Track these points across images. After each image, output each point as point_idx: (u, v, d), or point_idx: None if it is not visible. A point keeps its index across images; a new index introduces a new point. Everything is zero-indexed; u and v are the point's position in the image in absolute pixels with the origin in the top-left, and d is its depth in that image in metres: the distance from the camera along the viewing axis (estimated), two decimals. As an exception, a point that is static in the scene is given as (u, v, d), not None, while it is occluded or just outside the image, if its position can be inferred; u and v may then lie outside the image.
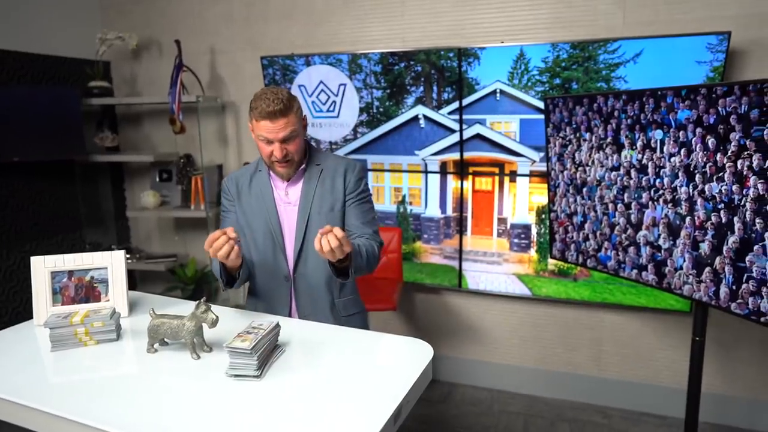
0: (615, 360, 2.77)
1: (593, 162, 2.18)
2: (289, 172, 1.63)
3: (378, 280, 2.82)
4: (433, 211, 2.92)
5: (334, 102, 2.94)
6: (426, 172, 2.88)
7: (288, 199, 1.67)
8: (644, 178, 1.96)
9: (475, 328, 3.02)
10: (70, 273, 1.50)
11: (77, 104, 3.08)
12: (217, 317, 1.25)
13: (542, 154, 2.61)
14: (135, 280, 3.82)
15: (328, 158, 1.72)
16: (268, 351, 1.22)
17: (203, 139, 3.22)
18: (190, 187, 3.23)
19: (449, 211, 2.89)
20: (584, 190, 2.25)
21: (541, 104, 2.54)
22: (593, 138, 2.16)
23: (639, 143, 1.96)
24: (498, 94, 2.63)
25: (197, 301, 1.25)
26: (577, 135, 2.23)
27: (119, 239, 3.70)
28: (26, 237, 3.15)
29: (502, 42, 2.57)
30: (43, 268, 1.47)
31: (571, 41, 2.43)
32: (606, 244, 2.19)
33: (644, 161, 1.95)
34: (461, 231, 2.88)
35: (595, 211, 2.21)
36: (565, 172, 2.33)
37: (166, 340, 1.30)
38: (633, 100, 1.96)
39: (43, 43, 3.16)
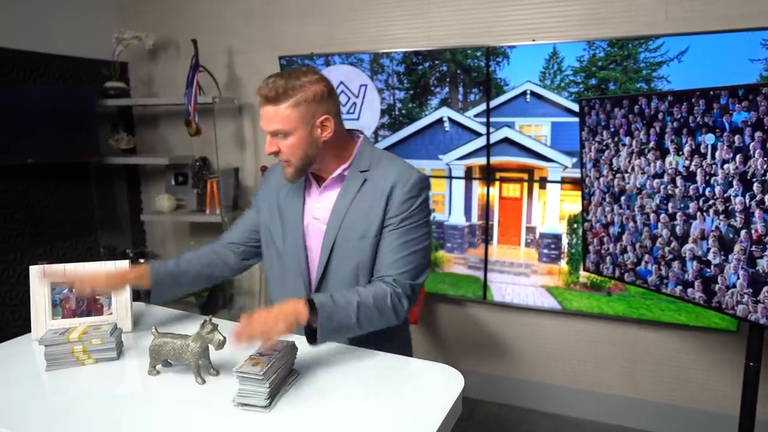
0: (651, 380, 2.58)
1: (633, 168, 2.01)
2: (289, 175, 1.33)
3: (398, 291, 2.68)
4: (457, 218, 2.77)
5: (355, 103, 2.82)
6: (450, 177, 2.74)
7: (317, 213, 1.38)
8: (692, 187, 1.80)
9: (500, 342, 2.86)
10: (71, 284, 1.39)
11: (93, 105, 3.02)
12: (225, 338, 1.12)
13: (575, 160, 2.45)
14: (150, 285, 3.74)
15: (380, 164, 1.35)
16: (281, 377, 1.08)
17: (219, 142, 3.12)
18: (205, 190, 3.14)
19: (474, 219, 2.74)
20: (622, 198, 2.09)
21: (574, 106, 2.39)
22: (634, 143, 1.99)
23: (686, 148, 1.79)
24: (528, 96, 2.48)
25: (203, 321, 1.13)
26: (616, 139, 2.07)
27: (134, 243, 3.63)
28: (40, 240, 3.09)
29: (534, 40, 2.42)
30: (43, 278, 1.37)
31: (608, 38, 2.27)
32: (646, 257, 2.02)
33: (692, 168, 1.78)
34: (487, 240, 2.73)
35: (635, 222, 2.04)
36: (602, 179, 2.17)
37: (169, 361, 1.18)
38: (680, 102, 1.79)
39: (60, 43, 3.10)
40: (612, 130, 2.08)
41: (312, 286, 1.40)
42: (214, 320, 1.15)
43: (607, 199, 2.16)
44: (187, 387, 1.13)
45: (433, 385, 1.13)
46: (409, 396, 1.09)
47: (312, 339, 1.20)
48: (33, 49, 2.96)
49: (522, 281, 2.70)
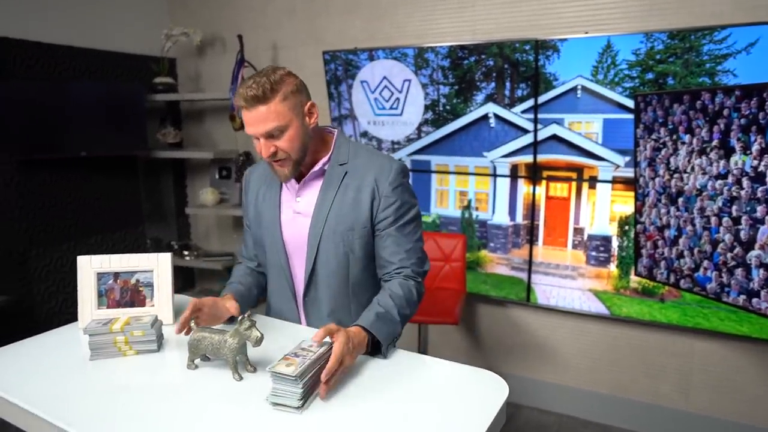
0: (706, 394, 2.43)
1: (693, 168, 1.89)
2: (288, 173, 1.30)
3: (439, 291, 2.63)
4: (501, 217, 2.69)
5: (398, 99, 2.78)
6: (495, 175, 2.66)
7: (298, 207, 1.37)
8: (760, 189, 1.67)
9: (543, 346, 2.76)
10: (116, 275, 1.41)
11: (142, 100, 3.09)
12: (262, 335, 1.10)
13: (628, 159, 2.33)
14: (194, 277, 3.82)
15: (358, 156, 1.36)
16: (315, 378, 1.06)
17: (263, 137, 3.14)
18: (248, 185, 3.16)
19: (519, 219, 2.65)
20: (680, 200, 1.96)
21: (629, 102, 2.26)
22: (694, 141, 1.87)
23: (755, 147, 1.66)
24: (579, 91, 2.37)
25: (241, 317, 1.11)
26: (674, 137, 1.95)
27: (179, 235, 3.71)
28: (91, 231, 3.20)
29: (587, 32, 2.31)
30: (89, 268, 1.40)
31: (668, 30, 2.14)
32: (706, 263, 1.90)
33: (761, 168, 1.66)
34: (531, 240, 2.63)
35: (693, 225, 1.92)
36: (657, 179, 2.05)
37: (207, 355, 1.17)
38: (749, 96, 1.66)
39: (113, 40, 3.19)
40: (670, 127, 1.96)
41: (295, 283, 1.41)
42: (253, 317, 1.14)
43: (663, 201, 2.04)
44: (224, 382, 1.11)
45: (476, 392, 1.07)
46: (450, 402, 1.04)
47: (372, 352, 1.23)
48: (87, 45, 3.06)
49: (568, 284, 2.60)
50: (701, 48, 2.09)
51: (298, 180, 1.38)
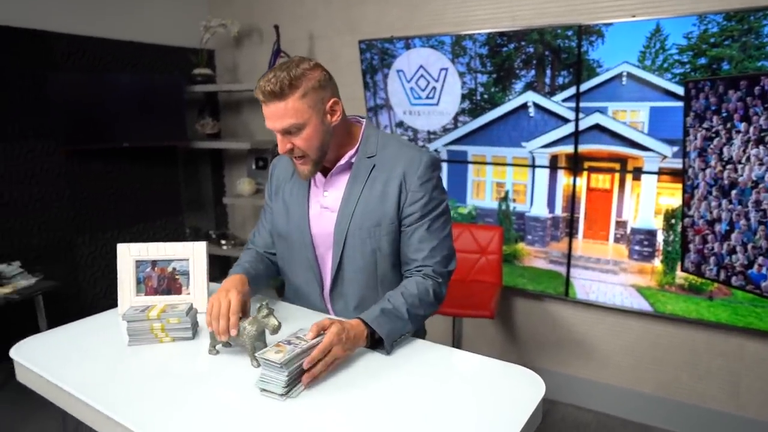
0: (758, 397, 2.31)
1: (749, 159, 1.78)
2: (307, 171, 1.27)
3: (474, 284, 2.59)
4: (540, 209, 2.62)
5: (434, 88, 2.73)
6: (533, 166, 2.58)
7: (325, 201, 1.34)
8: (824, 181, 1.56)
9: (582, 342, 2.68)
10: (154, 263, 1.44)
11: (182, 92, 3.14)
12: (280, 323, 1.11)
13: (677, 149, 2.21)
14: (231, 266, 3.89)
15: (387, 148, 1.31)
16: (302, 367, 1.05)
17: (299, 127, 3.15)
18: (284, 175, 3.18)
19: (558, 211, 2.57)
20: (733, 192, 1.86)
21: (678, 89, 2.15)
22: (751, 129, 1.76)
23: (819, 136, 1.55)
24: (624, 78, 2.27)
25: (259, 304, 1.12)
26: (728, 126, 1.84)
27: (217, 225, 3.78)
28: (133, 219, 3.29)
29: (634, 16, 2.20)
30: (128, 256, 1.43)
31: (724, 11, 2.01)
32: (761, 259, 1.79)
33: (825, 159, 1.55)
34: (571, 233, 2.55)
35: (748, 219, 1.81)
36: (708, 170, 1.95)
37: (229, 341, 1.18)
38: (814, 82, 1.55)
39: (153, 32, 3.26)
40: (724, 115, 1.85)
41: (323, 277, 1.38)
42: (272, 305, 1.14)
43: (714, 193, 1.93)
44: (242, 368, 1.12)
45: (511, 389, 1.03)
46: (484, 398, 1.01)
47: (374, 346, 1.19)
48: (129, 38, 3.13)
49: (609, 279, 2.51)
50: (761, 29, 1.96)
51: (325, 174, 1.35)
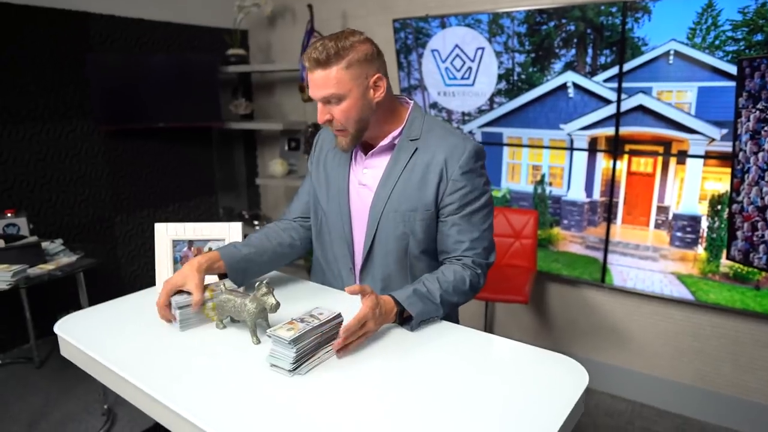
0: (804, 391, 2.23)
1: (806, 142, 1.68)
2: (345, 144, 1.27)
3: (508, 268, 2.54)
4: (577, 193, 2.55)
5: (470, 68, 2.66)
6: (571, 149, 2.51)
7: (364, 179, 1.33)
8: None
9: (618, 330, 2.62)
10: (190, 243, 1.45)
11: (216, 72, 3.16)
12: (278, 303, 1.12)
13: (726, 131, 2.11)
14: (263, 246, 3.94)
15: (432, 132, 1.29)
16: (315, 345, 1.06)
17: (331, 108, 3.14)
18: (316, 156, 3.18)
19: (596, 195, 2.49)
20: (787, 178, 1.76)
21: (730, 68, 2.04)
22: (810, 111, 1.66)
23: None
24: (671, 57, 2.16)
25: (258, 282, 1.12)
26: (785, 107, 1.74)
27: (250, 205, 3.82)
28: (168, 199, 3.35)
29: (684, -10, 2.09)
30: (165, 235, 1.44)
31: (784, -15, 1.88)
32: (815, 249, 1.70)
33: None
34: (609, 218, 2.48)
35: (803, 206, 1.72)
36: (761, 154, 1.85)
37: (235, 317, 1.20)
38: None
39: (187, 12, 3.27)
40: (780, 95, 1.75)
41: (355, 253, 1.36)
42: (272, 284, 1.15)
43: (767, 178, 1.84)
44: (242, 344, 1.14)
45: (553, 378, 1.00)
46: (525, 388, 0.98)
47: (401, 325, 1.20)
48: (164, 19, 3.15)
49: (648, 266, 2.43)
50: (823, 4, 1.83)
51: (366, 151, 1.34)
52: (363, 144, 1.34)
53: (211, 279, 1.32)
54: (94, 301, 1.40)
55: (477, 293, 1.32)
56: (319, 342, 1.08)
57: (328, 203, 1.39)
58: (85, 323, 1.28)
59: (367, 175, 1.33)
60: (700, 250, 2.29)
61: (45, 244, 2.13)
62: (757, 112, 1.82)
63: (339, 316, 1.13)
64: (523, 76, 2.53)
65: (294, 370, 1.02)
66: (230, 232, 1.44)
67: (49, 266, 1.98)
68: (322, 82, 1.19)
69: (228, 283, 1.28)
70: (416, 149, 1.28)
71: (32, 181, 2.71)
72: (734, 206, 1.96)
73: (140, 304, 1.39)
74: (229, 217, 3.59)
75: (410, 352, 1.11)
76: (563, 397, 0.93)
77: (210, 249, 1.45)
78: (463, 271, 1.27)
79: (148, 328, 1.27)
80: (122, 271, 3.16)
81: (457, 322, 1.42)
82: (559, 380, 0.99)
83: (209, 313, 1.23)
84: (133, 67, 2.93)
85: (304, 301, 1.29)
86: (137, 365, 1.07)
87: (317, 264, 1.50)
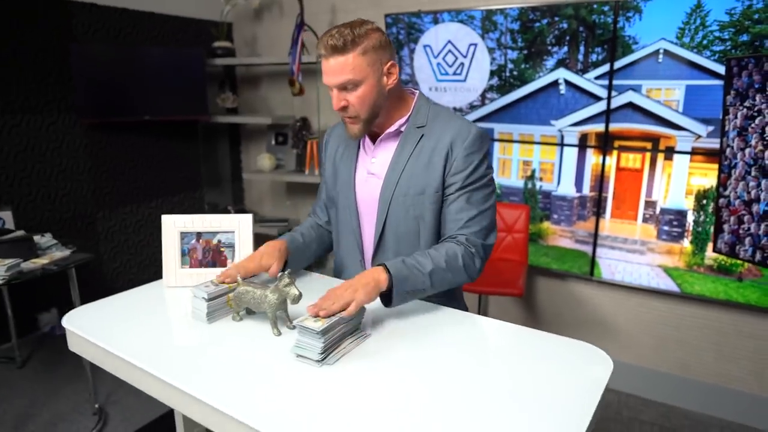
0: (782, 377, 2.33)
1: (793, 138, 1.76)
2: (357, 131, 1.28)
3: (501, 262, 2.58)
4: (567, 188, 2.60)
5: (462, 64, 2.68)
6: (562, 144, 2.56)
7: (372, 167, 1.35)
8: None
9: (605, 323, 2.69)
10: (198, 235, 1.42)
11: (201, 65, 3.10)
12: (300, 293, 1.11)
13: (712, 128, 2.19)
14: (247, 242, 3.88)
15: (437, 119, 1.31)
16: (341, 335, 1.07)
17: (320, 103, 3.11)
18: (305, 151, 3.16)
19: (586, 190, 2.55)
20: (773, 172, 1.84)
21: (717, 67, 2.11)
22: (797, 108, 1.73)
23: None
24: (660, 56, 2.23)
25: (280, 273, 1.12)
26: (772, 104, 1.81)
27: (234, 200, 3.76)
28: (153, 193, 3.27)
29: (674, -9, 2.15)
30: (173, 227, 1.41)
31: (769, -13, 1.96)
32: (800, 240, 1.78)
33: None
34: (598, 213, 2.54)
35: (788, 200, 1.80)
36: (748, 150, 1.92)
37: (251, 309, 1.19)
38: None
39: (172, 3, 3.19)
40: (768, 93, 1.82)
41: (364, 245, 1.38)
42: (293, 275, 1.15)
43: (753, 173, 1.91)
44: (262, 336, 1.13)
45: (577, 366, 1.03)
46: (549, 376, 0.99)
47: (386, 302, 1.20)
48: (149, 9, 3.07)
49: (636, 259, 2.50)
50: (806, 7, 1.92)
51: (374, 141, 1.36)
52: (370, 134, 1.36)
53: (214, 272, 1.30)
54: (85, 298, 1.36)
55: (473, 275, 1.28)
56: (343, 332, 1.09)
57: (337, 195, 1.41)
58: (93, 317, 1.25)
59: (376, 164, 1.35)
60: (686, 244, 2.36)
61: (36, 238, 2.05)
62: (745, 109, 1.90)
63: (362, 308, 1.13)
64: (515, 73, 2.57)
65: (322, 360, 1.02)
66: (240, 224, 1.42)
67: (42, 260, 1.91)
68: (339, 68, 1.20)
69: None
70: (422, 135, 1.30)
71: (11, 174, 2.60)
72: (721, 200, 2.04)
73: (148, 297, 1.36)
74: (214, 211, 3.53)
75: (434, 341, 1.12)
76: (591, 385, 0.95)
77: (219, 241, 1.43)
78: (457, 247, 1.25)
79: (160, 320, 1.25)
80: (104, 268, 3.07)
81: (465, 309, 1.44)
82: (585, 368, 1.01)
83: (233, 304, 1.21)
84: (117, 58, 2.85)
85: (316, 294, 1.28)
86: (155, 357, 1.05)
87: (336, 263, 1.51)
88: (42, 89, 2.66)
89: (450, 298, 1.36)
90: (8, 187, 2.59)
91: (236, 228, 1.42)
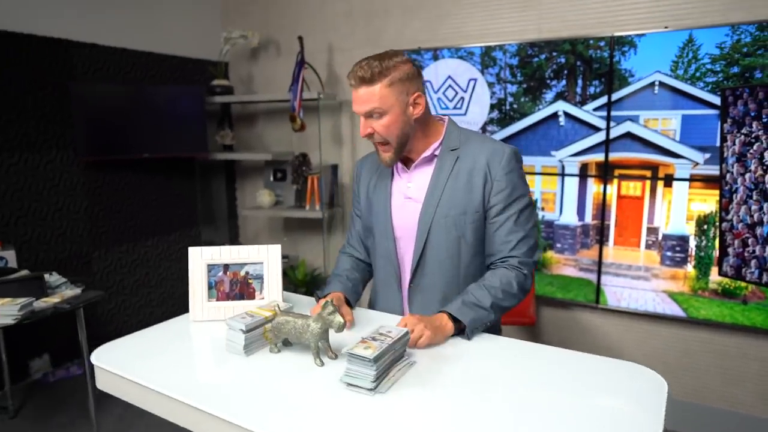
0: (792, 399, 2.35)
1: (792, 162, 1.84)
2: (389, 159, 1.32)
3: (509, 291, 2.58)
4: (569, 217, 2.64)
5: (462, 98, 2.75)
6: (563, 174, 2.61)
7: (409, 192, 1.37)
8: None
9: (612, 349, 2.69)
10: (226, 267, 1.40)
11: (201, 102, 3.11)
12: (345, 321, 1.10)
13: (708, 156, 2.27)
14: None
15: (470, 141, 1.34)
16: (390, 362, 1.06)
17: (318, 139, 3.14)
18: (305, 186, 3.16)
19: (588, 219, 2.60)
20: (775, 196, 1.91)
21: (710, 97, 2.21)
22: (794, 134, 1.82)
23: None
24: (656, 87, 2.32)
25: (324, 301, 1.10)
26: (769, 131, 1.90)
27: (231, 238, 3.71)
28: (149, 231, 3.21)
29: (666, 27, 2.27)
30: (200, 260, 1.38)
31: (754, 21, 2.08)
32: (806, 260, 1.83)
33: None
34: (602, 241, 2.58)
35: (791, 221, 1.86)
36: (748, 175, 1.99)
37: (289, 340, 1.17)
38: None
39: (169, 43, 3.23)
40: (765, 120, 1.91)
41: (401, 270, 1.40)
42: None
43: (755, 197, 1.98)
44: (305, 367, 1.10)
45: (633, 389, 1.02)
46: (608, 399, 0.98)
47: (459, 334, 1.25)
48: (147, 49, 3.09)
49: (641, 285, 2.53)
50: (792, 40, 2.04)
51: (408, 166, 1.38)
52: (403, 160, 1.39)
53: (257, 303, 1.27)
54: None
55: (526, 294, 1.34)
56: (393, 359, 1.07)
57: (373, 223, 1.43)
58: (122, 353, 1.21)
59: (413, 188, 1.37)
60: (690, 268, 2.41)
61: (46, 277, 1.98)
62: (742, 136, 1.98)
63: (407, 333, 1.11)
64: (515, 106, 2.64)
65: (375, 388, 0.99)
66: (269, 254, 1.40)
67: (53, 299, 1.84)
68: (366, 97, 1.26)
69: (282, 304, 1.24)
70: (457, 158, 1.33)
71: (8, 213, 2.53)
72: (724, 224, 2.10)
73: (175, 332, 1.33)
74: (211, 250, 3.48)
75: (480, 366, 1.11)
76: (650, 409, 0.94)
77: (247, 273, 1.41)
78: (509, 273, 1.30)
79: (194, 354, 1.21)
80: (99, 309, 2.97)
81: (499, 330, 1.44)
82: (639, 391, 1.01)
83: (269, 336, 1.18)
84: (116, 97, 2.85)
85: (357, 325, 1.27)
86: (195, 391, 1.02)
87: (372, 292, 1.52)
88: (40, 127, 2.63)
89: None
90: (4, 226, 2.51)
91: (265, 259, 1.40)
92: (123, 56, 2.97)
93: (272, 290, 1.39)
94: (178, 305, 3.40)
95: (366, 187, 1.47)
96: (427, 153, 1.35)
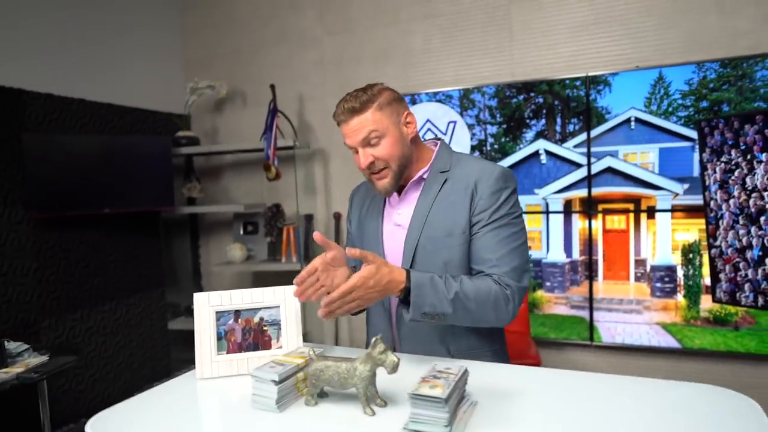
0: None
1: (776, 185, 1.91)
2: (388, 186, 1.27)
3: (507, 335, 2.48)
4: (557, 255, 2.63)
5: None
6: (547, 212, 2.62)
7: (398, 219, 1.32)
8: None
9: (611, 389, 2.62)
10: (237, 313, 1.23)
11: (169, 154, 2.94)
12: (399, 359, 0.95)
13: (687, 186, 2.34)
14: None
15: (461, 163, 1.29)
16: (457, 403, 0.93)
17: (290, 189, 3.03)
18: (280, 238, 3.00)
19: (575, 255, 2.59)
20: (762, 218, 1.96)
21: (685, 130, 2.31)
22: (776, 158, 1.90)
23: None
24: (632, 123, 2.41)
25: (374, 338, 0.97)
26: (749, 157, 1.98)
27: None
28: (106, 295, 2.92)
29: (637, 66, 2.39)
30: (207, 307, 1.21)
31: (720, 59, 2.22)
32: (802, 279, 1.87)
33: None
34: (591, 276, 2.56)
35: (782, 242, 1.91)
36: (732, 201, 2.06)
37: (327, 389, 1.02)
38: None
39: (130, 95, 3.08)
40: (743, 148, 1.99)
41: (391, 297, 1.29)
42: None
43: (741, 221, 2.03)
44: (355, 418, 0.95)
45: (729, 416, 0.93)
46: (706, 428, 0.90)
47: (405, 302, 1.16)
48: (105, 100, 2.93)
49: (634, 319, 2.52)
50: (754, 75, 2.18)
51: (399, 193, 1.34)
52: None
53: (274, 353, 1.11)
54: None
55: (504, 318, 1.19)
56: (459, 400, 0.94)
57: (367, 246, 1.37)
58: (123, 422, 1.00)
59: (402, 215, 1.33)
60: (680, 298, 2.42)
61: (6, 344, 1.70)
62: (722, 164, 2.06)
63: (467, 371, 0.99)
64: (495, 146, 2.66)
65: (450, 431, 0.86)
66: (286, 297, 1.25)
67: (16, 369, 1.56)
68: (360, 125, 1.23)
69: (317, 348, 1.09)
70: (446, 179, 1.29)
71: (-56, 280, 2.22)
72: (713, 251, 2.13)
73: (181, 394, 1.13)
74: (175, 311, 3.20)
75: (544, 402, 1.00)
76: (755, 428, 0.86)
77: (262, 319, 1.25)
78: (493, 285, 1.17)
79: (215, 417, 1.03)
80: (49, 385, 2.60)
81: (507, 361, 1.35)
82: (738, 418, 0.93)
83: (300, 386, 1.02)
84: (75, 148, 2.63)
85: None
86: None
87: (366, 316, 1.45)
88: (-13, 183, 2.37)
89: (494, 351, 1.32)
90: (-61, 295, 2.19)
91: (282, 302, 1.25)
92: (80, 107, 2.79)
93: (291, 337, 1.23)
94: (137, 377, 3.07)
95: (358, 215, 1.44)
96: (415, 177, 1.31)
